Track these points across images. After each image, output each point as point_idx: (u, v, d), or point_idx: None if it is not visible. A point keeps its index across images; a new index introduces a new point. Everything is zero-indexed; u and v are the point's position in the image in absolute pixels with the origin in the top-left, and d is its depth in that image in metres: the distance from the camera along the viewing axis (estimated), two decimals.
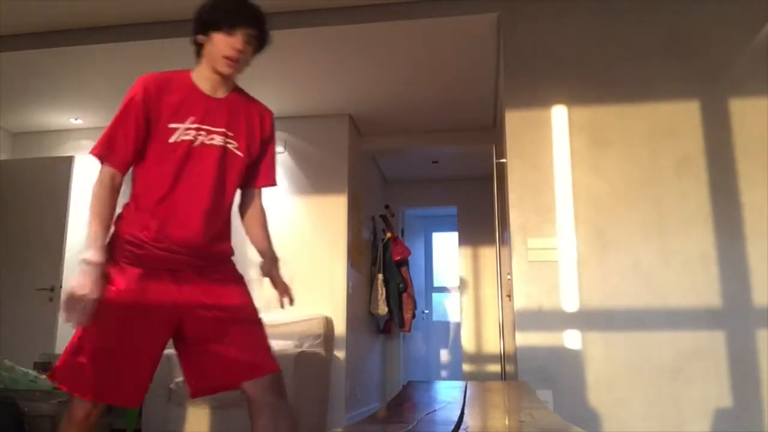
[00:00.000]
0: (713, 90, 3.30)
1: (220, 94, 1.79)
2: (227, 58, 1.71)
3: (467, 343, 6.73)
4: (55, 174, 5.12)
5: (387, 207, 6.62)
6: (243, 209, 1.91)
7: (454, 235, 7.16)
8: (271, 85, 4.73)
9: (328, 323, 4.55)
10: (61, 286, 4.87)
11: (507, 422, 1.32)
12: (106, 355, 1.63)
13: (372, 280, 5.85)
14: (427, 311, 7.74)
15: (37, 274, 4.90)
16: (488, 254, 6.72)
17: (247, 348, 1.71)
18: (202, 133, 1.71)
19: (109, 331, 1.63)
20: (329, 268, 4.79)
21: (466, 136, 5.58)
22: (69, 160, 5.16)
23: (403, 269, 6.02)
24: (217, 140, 1.73)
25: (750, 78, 3.27)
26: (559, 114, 3.39)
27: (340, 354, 4.69)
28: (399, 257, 5.99)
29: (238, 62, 1.73)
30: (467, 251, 6.94)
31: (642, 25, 3.44)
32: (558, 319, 3.15)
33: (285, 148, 5.15)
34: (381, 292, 5.78)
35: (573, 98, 3.40)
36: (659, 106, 3.33)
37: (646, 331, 3.08)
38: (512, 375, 3.53)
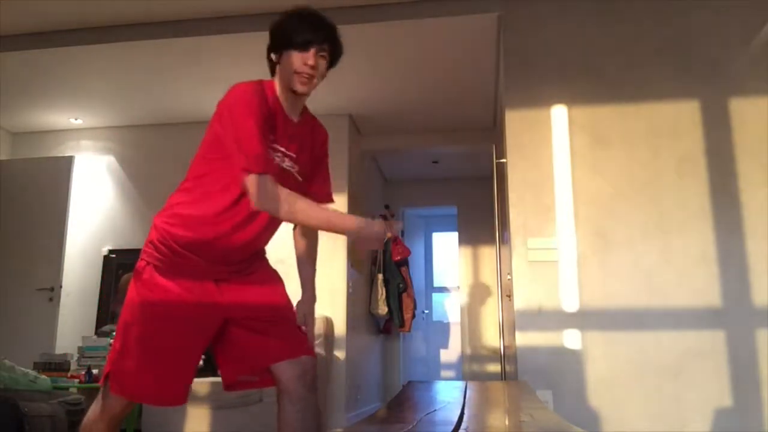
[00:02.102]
0: (713, 90, 3.30)
1: (295, 116, 1.76)
2: (300, 74, 1.68)
3: (467, 343, 6.73)
4: (55, 174, 5.12)
5: (387, 207, 6.62)
6: (295, 230, 1.89)
7: (454, 235, 7.16)
8: None
9: (328, 323, 4.55)
10: (61, 286, 4.88)
11: (507, 422, 1.31)
12: (153, 357, 1.65)
13: (372, 280, 5.85)
14: (427, 311, 7.74)
15: (37, 274, 4.90)
16: (488, 254, 6.71)
17: (280, 334, 1.72)
18: (279, 154, 1.70)
19: (156, 334, 1.65)
20: (329, 268, 4.79)
21: (466, 136, 5.58)
22: (69, 160, 5.16)
23: (403, 269, 6.02)
24: (287, 164, 1.73)
25: (750, 78, 3.27)
26: (559, 114, 3.39)
27: (340, 354, 4.68)
28: (399, 257, 5.99)
29: (312, 78, 1.70)
30: (467, 251, 6.93)
31: (642, 25, 3.44)
32: (558, 319, 3.15)
33: None
34: (381, 292, 5.78)
35: (573, 98, 3.40)
36: (659, 106, 3.33)
37: (647, 331, 3.08)
38: (512, 375, 3.53)
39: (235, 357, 1.74)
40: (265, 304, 1.74)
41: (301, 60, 1.66)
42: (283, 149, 1.70)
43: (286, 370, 1.67)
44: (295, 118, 1.75)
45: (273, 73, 1.76)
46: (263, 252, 1.84)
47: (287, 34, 1.68)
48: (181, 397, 1.70)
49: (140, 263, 1.72)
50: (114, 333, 4.46)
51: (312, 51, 1.67)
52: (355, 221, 1.55)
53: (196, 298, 1.67)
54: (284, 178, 1.68)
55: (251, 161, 1.54)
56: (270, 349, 1.69)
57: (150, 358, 1.65)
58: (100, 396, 1.70)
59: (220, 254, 1.68)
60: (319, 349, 4.34)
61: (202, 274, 1.69)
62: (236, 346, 1.73)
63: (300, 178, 1.77)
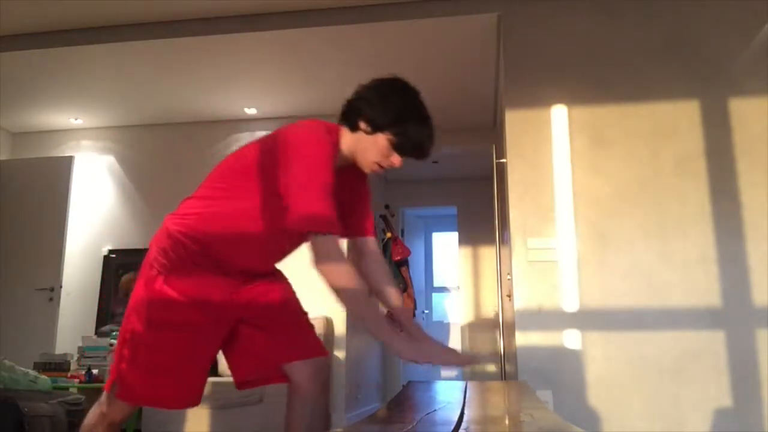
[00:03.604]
0: (713, 90, 3.29)
1: (345, 164, 1.67)
2: (379, 165, 1.63)
3: (467, 342, 6.73)
4: (55, 174, 5.12)
5: (387, 207, 6.62)
6: (358, 261, 1.79)
7: (454, 235, 7.16)
8: (271, 85, 4.73)
9: (328, 323, 4.55)
10: (61, 286, 4.88)
11: (507, 422, 1.32)
12: (167, 365, 1.62)
13: None
14: (427, 311, 7.74)
15: (37, 274, 4.91)
16: (488, 254, 6.71)
17: (292, 334, 1.71)
18: None
19: (168, 343, 1.62)
20: None
21: (466, 136, 5.57)
22: (69, 160, 5.17)
23: (403, 269, 6.02)
24: None
25: (750, 78, 3.27)
26: (559, 114, 3.39)
27: (340, 354, 4.68)
28: (399, 257, 5.99)
29: (382, 171, 1.66)
30: (467, 251, 6.94)
31: (642, 25, 3.44)
32: (558, 319, 3.15)
33: None
34: None
35: (573, 98, 3.40)
36: (659, 106, 3.32)
37: (646, 331, 3.08)
38: (512, 375, 3.53)
39: (247, 356, 1.72)
40: (276, 304, 1.73)
41: (388, 156, 1.61)
42: None
43: (300, 369, 1.65)
44: (344, 165, 1.66)
45: (352, 126, 1.63)
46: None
47: (409, 134, 1.59)
48: (196, 398, 1.68)
49: (151, 271, 1.64)
50: (114, 333, 4.48)
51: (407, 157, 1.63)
52: (397, 347, 1.46)
53: (209, 306, 1.64)
54: None
55: (323, 221, 1.46)
56: (282, 348, 1.68)
57: (163, 366, 1.62)
58: (102, 401, 1.68)
59: (234, 270, 1.66)
60: None
61: (215, 282, 1.66)
62: (248, 345, 1.71)
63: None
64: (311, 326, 1.78)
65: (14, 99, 4.86)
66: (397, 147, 1.60)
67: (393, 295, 1.78)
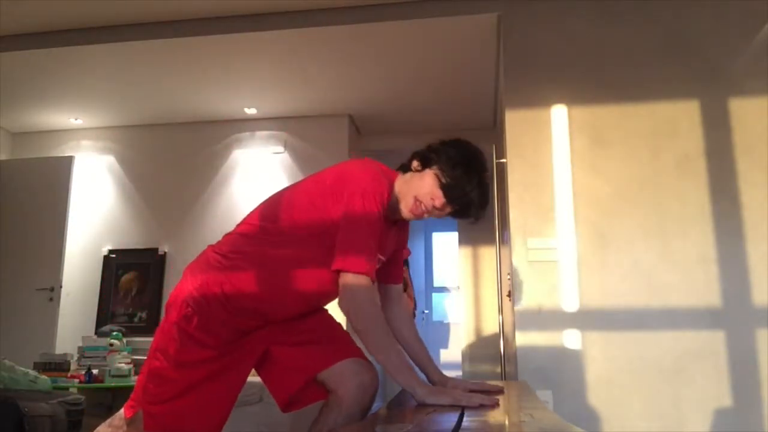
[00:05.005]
0: (713, 90, 3.30)
1: (393, 215, 1.64)
2: (420, 203, 1.57)
3: (467, 343, 6.73)
4: (55, 174, 5.13)
5: None
6: (387, 310, 1.77)
7: (454, 235, 7.16)
8: (271, 85, 4.73)
9: None
10: (61, 286, 4.88)
11: (507, 422, 1.32)
12: (194, 400, 1.58)
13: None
14: (427, 311, 7.74)
15: (37, 274, 4.91)
16: (488, 254, 6.70)
17: (328, 339, 1.68)
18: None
19: (200, 376, 1.57)
20: None
21: (466, 136, 5.49)
22: (69, 160, 5.17)
23: (404, 269, 6.02)
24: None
25: (750, 78, 3.27)
26: (559, 114, 3.39)
27: None
28: None
29: (423, 216, 1.60)
30: (467, 251, 6.93)
31: (642, 25, 3.44)
32: (558, 319, 3.15)
33: (285, 148, 5.16)
34: None
35: (573, 98, 3.40)
36: (659, 106, 3.33)
37: (646, 331, 3.08)
38: (512, 375, 3.53)
39: (284, 372, 1.67)
40: (305, 321, 1.70)
41: (431, 196, 1.56)
42: (379, 255, 1.60)
43: (345, 382, 1.59)
44: (392, 217, 1.63)
45: (406, 168, 1.65)
46: None
47: (457, 176, 1.54)
48: (222, 426, 1.63)
49: (187, 309, 1.55)
50: (114, 333, 4.46)
51: (449, 205, 1.57)
52: (419, 393, 1.43)
53: (240, 347, 1.62)
54: None
55: (364, 263, 1.45)
56: (318, 354, 1.63)
57: (192, 400, 1.57)
58: (117, 424, 1.64)
59: (276, 321, 1.64)
60: None
61: (251, 327, 1.63)
62: (283, 361, 1.66)
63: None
64: (347, 333, 1.74)
65: (14, 99, 4.86)
66: (442, 185, 1.55)
67: (414, 340, 1.77)
